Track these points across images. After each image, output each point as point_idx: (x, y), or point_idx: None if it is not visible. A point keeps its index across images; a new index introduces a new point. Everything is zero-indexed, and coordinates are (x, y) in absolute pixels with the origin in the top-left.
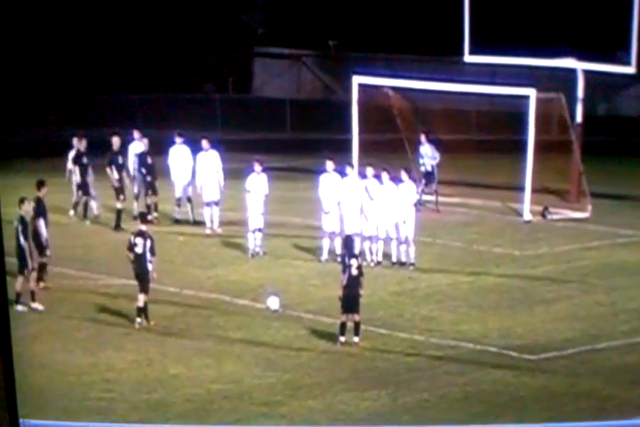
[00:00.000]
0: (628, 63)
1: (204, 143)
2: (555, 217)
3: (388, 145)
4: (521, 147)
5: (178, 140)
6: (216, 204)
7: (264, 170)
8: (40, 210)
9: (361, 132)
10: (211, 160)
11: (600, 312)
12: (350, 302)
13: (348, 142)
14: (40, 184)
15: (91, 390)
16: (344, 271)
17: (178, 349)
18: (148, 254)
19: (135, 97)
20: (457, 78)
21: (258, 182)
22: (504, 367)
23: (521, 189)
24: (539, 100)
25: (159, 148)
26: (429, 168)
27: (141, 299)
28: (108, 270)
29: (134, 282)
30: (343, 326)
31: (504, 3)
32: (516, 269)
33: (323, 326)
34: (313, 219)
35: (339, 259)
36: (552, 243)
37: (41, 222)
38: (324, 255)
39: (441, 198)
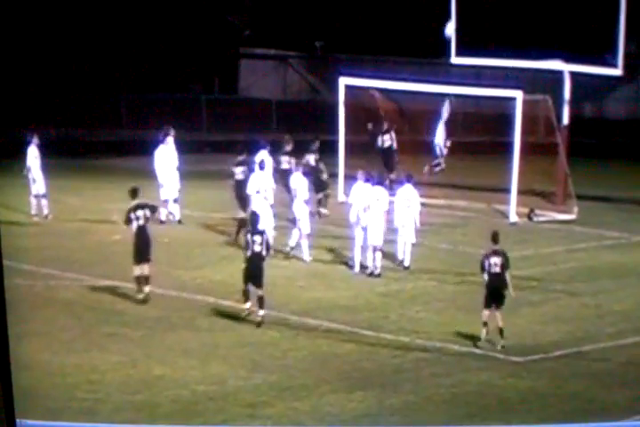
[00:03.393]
0: (614, 65)
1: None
2: (541, 219)
3: (373, 146)
4: (507, 149)
5: (165, 141)
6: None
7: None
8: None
9: (347, 133)
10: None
11: (586, 314)
12: (252, 275)
13: (335, 143)
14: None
15: (75, 391)
16: (247, 247)
17: (163, 350)
18: None
19: (120, 98)
20: (443, 80)
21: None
22: (490, 369)
23: (507, 190)
24: (525, 102)
25: (144, 148)
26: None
27: None
28: (93, 271)
29: (119, 283)
30: (245, 293)
31: (491, 5)
32: None
33: (309, 327)
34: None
35: (247, 235)
36: (538, 245)
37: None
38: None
39: (427, 200)
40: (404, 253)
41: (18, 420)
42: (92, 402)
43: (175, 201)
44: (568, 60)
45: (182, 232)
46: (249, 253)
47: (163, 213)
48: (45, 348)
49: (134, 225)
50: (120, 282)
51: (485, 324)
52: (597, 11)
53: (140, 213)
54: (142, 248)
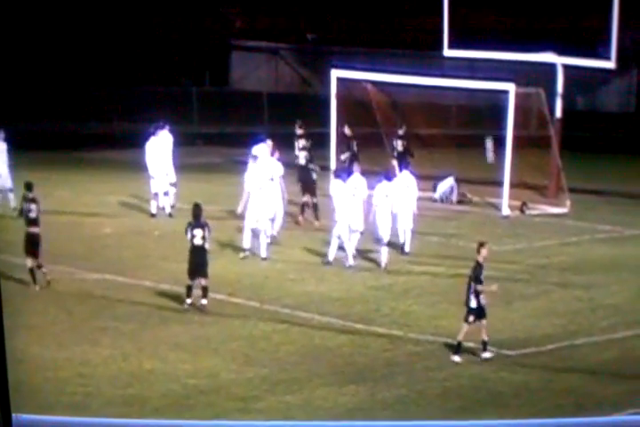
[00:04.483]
0: (607, 58)
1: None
2: (533, 212)
3: (366, 139)
4: (500, 142)
5: (156, 133)
6: None
7: None
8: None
9: (339, 125)
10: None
11: (579, 308)
12: (195, 267)
13: (326, 136)
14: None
15: (66, 385)
16: (190, 241)
17: (153, 343)
18: None
19: (111, 91)
20: (436, 72)
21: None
22: (483, 363)
23: (499, 183)
24: (518, 95)
25: (136, 141)
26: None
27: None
28: (84, 265)
29: (109, 276)
30: (189, 288)
31: None
32: (494, 264)
33: (300, 320)
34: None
35: (188, 228)
36: (531, 238)
37: None
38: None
39: (420, 193)
40: (405, 239)
41: (13, 414)
42: (83, 396)
43: (165, 194)
44: (561, 52)
45: (173, 225)
46: (190, 247)
47: (153, 206)
48: (36, 341)
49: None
50: (111, 275)
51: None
52: (590, 3)
53: (32, 206)
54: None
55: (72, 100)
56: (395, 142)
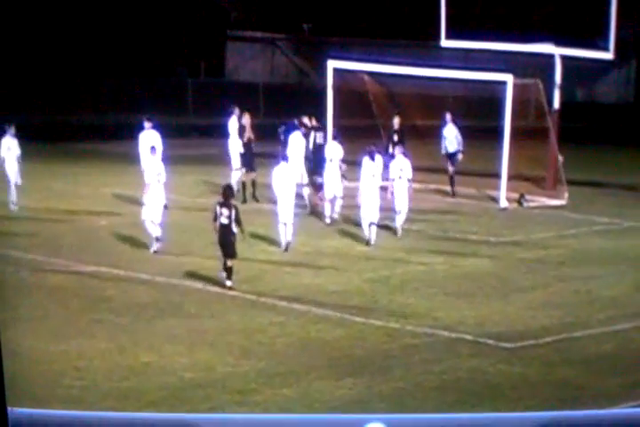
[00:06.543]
0: (606, 49)
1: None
2: (531, 204)
3: (362, 130)
4: (497, 133)
5: (147, 125)
6: None
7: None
8: None
9: (335, 117)
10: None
11: (576, 300)
12: (221, 248)
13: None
14: None
15: (62, 378)
16: (215, 219)
17: (150, 336)
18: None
19: (106, 81)
20: (433, 63)
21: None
22: (480, 355)
23: (497, 175)
24: (516, 86)
25: (129, 132)
26: (451, 150)
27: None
28: (79, 257)
29: (105, 269)
30: (227, 270)
31: None
32: (492, 256)
33: (297, 313)
34: None
35: (216, 206)
36: (528, 230)
37: None
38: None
39: (416, 185)
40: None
41: (8, 408)
42: (79, 389)
43: None
44: (559, 43)
45: (168, 217)
46: (217, 225)
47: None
48: (31, 334)
49: None
50: (107, 268)
51: None
52: None
53: None
54: None
55: (66, 91)
56: (391, 133)
